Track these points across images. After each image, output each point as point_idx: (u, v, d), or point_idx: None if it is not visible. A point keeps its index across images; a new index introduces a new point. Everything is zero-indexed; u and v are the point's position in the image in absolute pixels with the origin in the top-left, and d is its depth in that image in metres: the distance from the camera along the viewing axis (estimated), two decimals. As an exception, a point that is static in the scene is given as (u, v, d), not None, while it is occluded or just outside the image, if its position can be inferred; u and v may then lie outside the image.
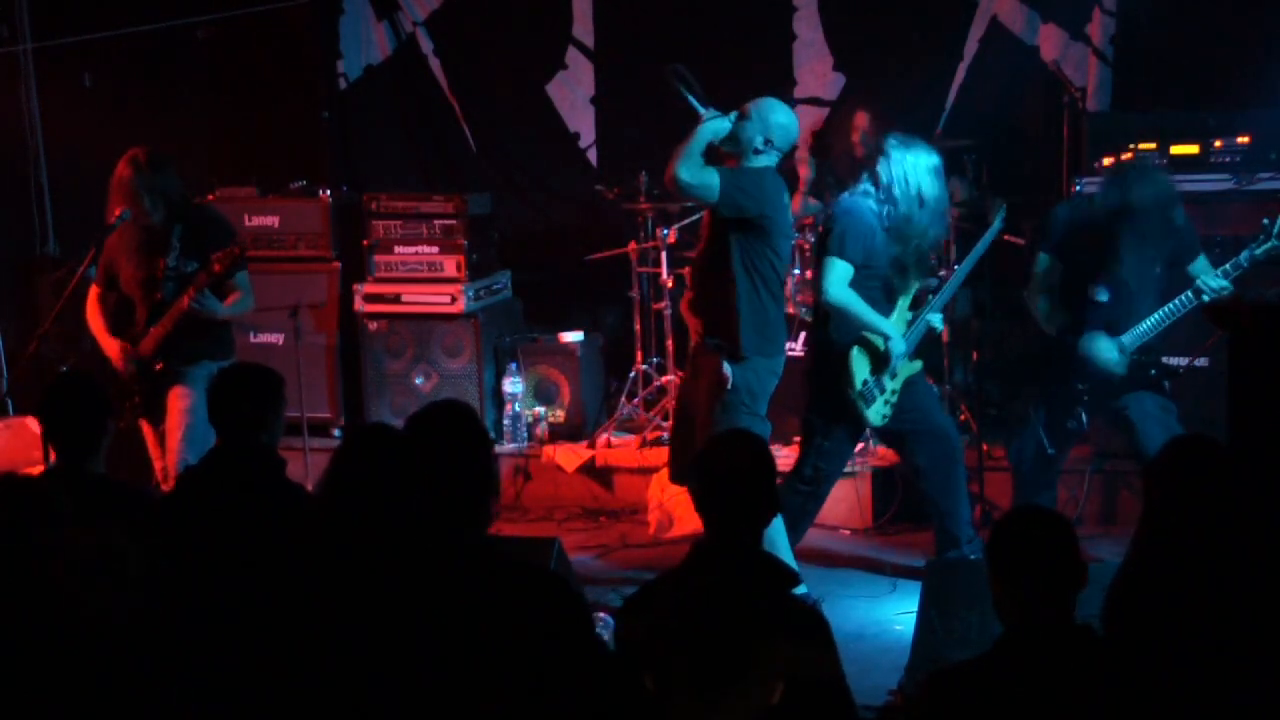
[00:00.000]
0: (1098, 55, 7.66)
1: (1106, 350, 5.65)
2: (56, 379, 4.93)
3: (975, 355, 7.09)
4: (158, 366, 5.78)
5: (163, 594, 3.70)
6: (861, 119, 7.57)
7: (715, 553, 3.38)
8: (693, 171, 5.35)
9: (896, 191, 5.68)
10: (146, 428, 5.90)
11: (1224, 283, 5.51)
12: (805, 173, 7.67)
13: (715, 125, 5.43)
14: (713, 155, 5.55)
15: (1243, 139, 6.72)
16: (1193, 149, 6.76)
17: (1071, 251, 5.75)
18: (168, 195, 5.78)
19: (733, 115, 5.52)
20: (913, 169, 5.69)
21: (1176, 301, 5.60)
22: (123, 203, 5.76)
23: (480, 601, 2.99)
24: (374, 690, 2.96)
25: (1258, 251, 5.50)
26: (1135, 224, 5.54)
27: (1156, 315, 5.63)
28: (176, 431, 5.73)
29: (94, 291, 5.98)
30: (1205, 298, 5.51)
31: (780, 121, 5.53)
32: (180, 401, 5.76)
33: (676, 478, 5.97)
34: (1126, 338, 5.66)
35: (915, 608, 4.97)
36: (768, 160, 5.53)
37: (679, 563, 3.40)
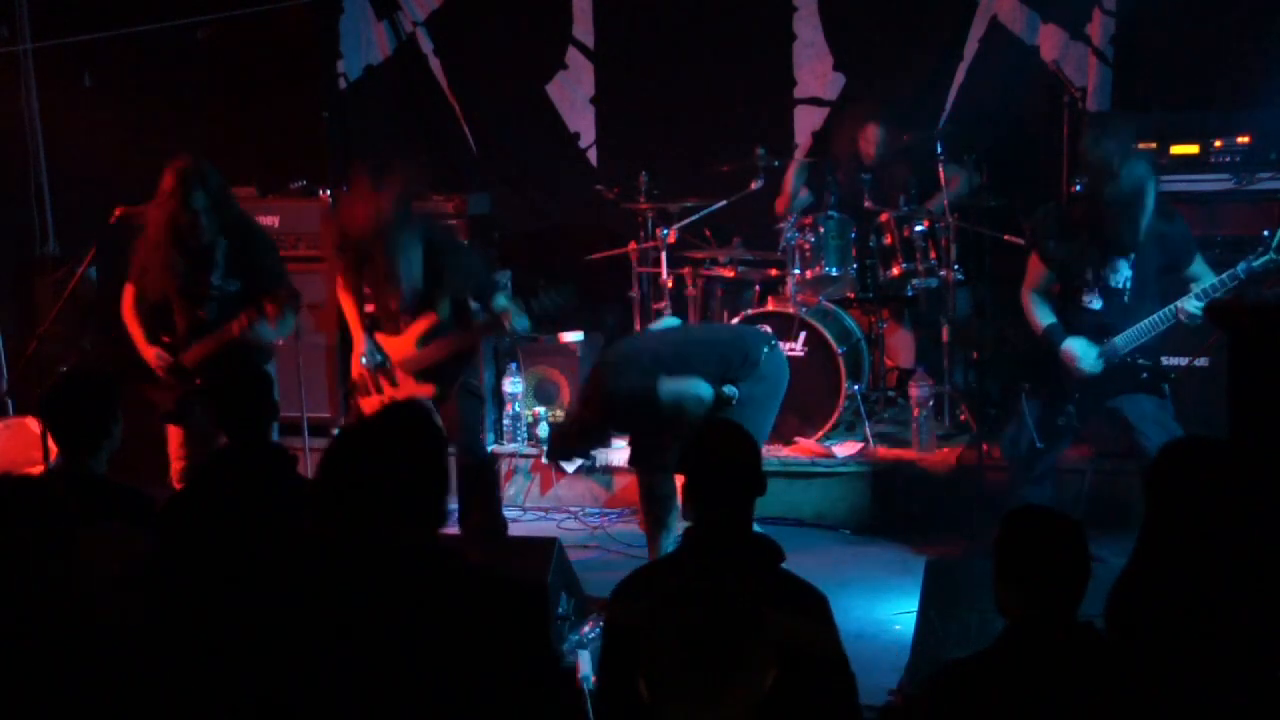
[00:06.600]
0: (1098, 55, 7.66)
1: (1082, 351, 5.64)
2: (64, 375, 4.89)
3: (975, 355, 7.08)
4: (198, 381, 5.74)
5: (174, 591, 3.71)
6: (872, 131, 7.58)
7: (709, 537, 3.40)
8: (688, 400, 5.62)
9: None
10: (171, 430, 5.88)
11: (1200, 311, 5.48)
12: (790, 180, 7.69)
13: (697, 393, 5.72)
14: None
15: (1243, 139, 6.71)
16: (1193, 149, 6.75)
17: (1060, 254, 5.75)
18: (223, 214, 5.73)
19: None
20: None
21: (1161, 314, 5.59)
22: (167, 215, 5.64)
23: (428, 605, 2.94)
24: (322, 690, 2.93)
25: (1255, 264, 5.43)
26: (1104, 224, 5.54)
27: (1146, 322, 5.62)
28: None
29: (129, 292, 5.92)
30: (1184, 318, 5.52)
31: None
32: None
33: (677, 467, 5.99)
34: (1120, 340, 5.66)
35: (915, 608, 4.97)
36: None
37: (675, 550, 3.42)
